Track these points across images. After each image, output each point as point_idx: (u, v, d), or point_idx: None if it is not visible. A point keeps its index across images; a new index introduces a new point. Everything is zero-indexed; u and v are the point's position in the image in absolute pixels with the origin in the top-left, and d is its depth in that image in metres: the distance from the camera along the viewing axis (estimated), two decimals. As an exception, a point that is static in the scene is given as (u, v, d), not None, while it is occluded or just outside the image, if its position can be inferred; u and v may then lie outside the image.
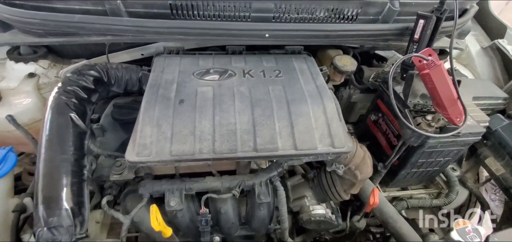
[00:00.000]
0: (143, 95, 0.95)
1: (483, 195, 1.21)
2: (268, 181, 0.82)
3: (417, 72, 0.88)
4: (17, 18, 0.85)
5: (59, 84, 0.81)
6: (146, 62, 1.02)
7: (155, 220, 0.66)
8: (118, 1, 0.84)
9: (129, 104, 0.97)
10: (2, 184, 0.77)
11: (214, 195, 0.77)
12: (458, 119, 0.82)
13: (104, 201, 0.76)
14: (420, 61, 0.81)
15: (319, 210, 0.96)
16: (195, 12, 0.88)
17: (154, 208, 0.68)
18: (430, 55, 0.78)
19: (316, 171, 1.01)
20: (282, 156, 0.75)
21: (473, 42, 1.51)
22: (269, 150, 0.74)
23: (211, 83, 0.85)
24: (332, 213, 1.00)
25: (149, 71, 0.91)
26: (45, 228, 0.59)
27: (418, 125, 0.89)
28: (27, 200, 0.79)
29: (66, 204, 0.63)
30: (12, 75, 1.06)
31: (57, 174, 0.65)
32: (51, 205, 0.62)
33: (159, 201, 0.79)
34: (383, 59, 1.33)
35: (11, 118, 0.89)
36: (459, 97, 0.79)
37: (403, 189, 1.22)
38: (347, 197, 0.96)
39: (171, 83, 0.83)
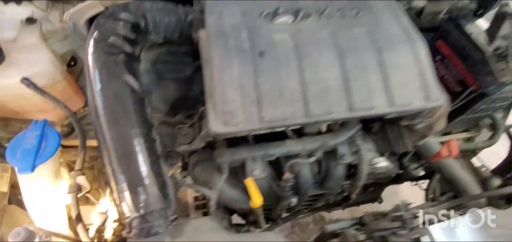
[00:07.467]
0: (183, 46, 0.77)
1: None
2: (351, 140, 0.76)
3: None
4: None
5: (96, 35, 0.61)
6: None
7: (258, 195, 0.60)
8: None
9: (175, 59, 0.79)
10: (49, 165, 0.64)
11: (300, 161, 0.70)
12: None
13: (179, 175, 0.67)
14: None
15: (382, 163, 0.95)
16: None
17: (251, 182, 0.61)
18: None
19: (380, 123, 0.96)
20: (378, 114, 0.67)
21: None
22: (365, 108, 0.65)
23: (287, 28, 0.69)
24: (391, 163, 1.00)
25: (201, 13, 0.71)
26: (138, 215, 0.51)
27: (501, 70, 0.83)
28: (81, 179, 0.68)
29: (153, 187, 0.53)
30: (5, 22, 0.80)
31: (133, 153, 0.53)
32: (137, 190, 0.52)
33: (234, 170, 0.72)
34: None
35: (29, 82, 0.70)
36: None
37: (446, 133, 1.23)
38: (411, 149, 0.95)
39: (239, 29, 0.66)
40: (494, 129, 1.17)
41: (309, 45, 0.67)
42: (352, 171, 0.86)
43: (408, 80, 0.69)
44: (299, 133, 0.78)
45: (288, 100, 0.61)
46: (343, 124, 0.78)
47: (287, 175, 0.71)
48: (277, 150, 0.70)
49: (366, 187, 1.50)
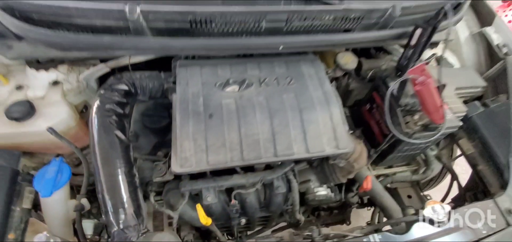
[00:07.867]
0: (166, 100, 1.05)
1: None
2: (283, 175, 1.00)
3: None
4: (43, 38, 0.88)
5: (98, 103, 0.90)
6: (160, 62, 1.07)
7: (203, 217, 0.84)
8: (141, 20, 0.88)
9: (157, 113, 1.08)
10: (62, 191, 0.91)
11: (242, 191, 0.95)
12: (440, 120, 0.99)
13: (152, 199, 0.92)
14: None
15: (322, 191, 1.17)
16: (213, 25, 0.94)
17: (199, 207, 0.86)
18: (423, 70, 0.91)
19: (319, 160, 1.20)
20: (297, 159, 0.91)
21: (463, 28, 1.61)
22: (286, 155, 0.90)
23: (233, 95, 0.96)
24: (331, 191, 1.22)
25: (173, 83, 1.00)
26: (119, 229, 0.76)
27: (407, 123, 1.07)
28: (84, 201, 0.94)
29: (130, 209, 0.79)
30: (36, 84, 1.11)
31: (118, 186, 0.80)
32: (119, 211, 0.78)
33: (196, 196, 0.97)
34: (380, 49, 1.44)
35: (53, 130, 0.99)
36: (441, 105, 0.95)
37: (389, 167, 1.45)
38: (344, 181, 1.17)
39: (198, 96, 0.94)
40: (427, 164, 1.38)
41: (247, 108, 0.93)
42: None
43: (323, 133, 0.94)
44: (248, 169, 1.02)
45: (228, 149, 0.86)
46: (281, 163, 1.03)
47: (234, 202, 0.96)
48: (226, 183, 0.95)
49: (331, 211, 1.71)
